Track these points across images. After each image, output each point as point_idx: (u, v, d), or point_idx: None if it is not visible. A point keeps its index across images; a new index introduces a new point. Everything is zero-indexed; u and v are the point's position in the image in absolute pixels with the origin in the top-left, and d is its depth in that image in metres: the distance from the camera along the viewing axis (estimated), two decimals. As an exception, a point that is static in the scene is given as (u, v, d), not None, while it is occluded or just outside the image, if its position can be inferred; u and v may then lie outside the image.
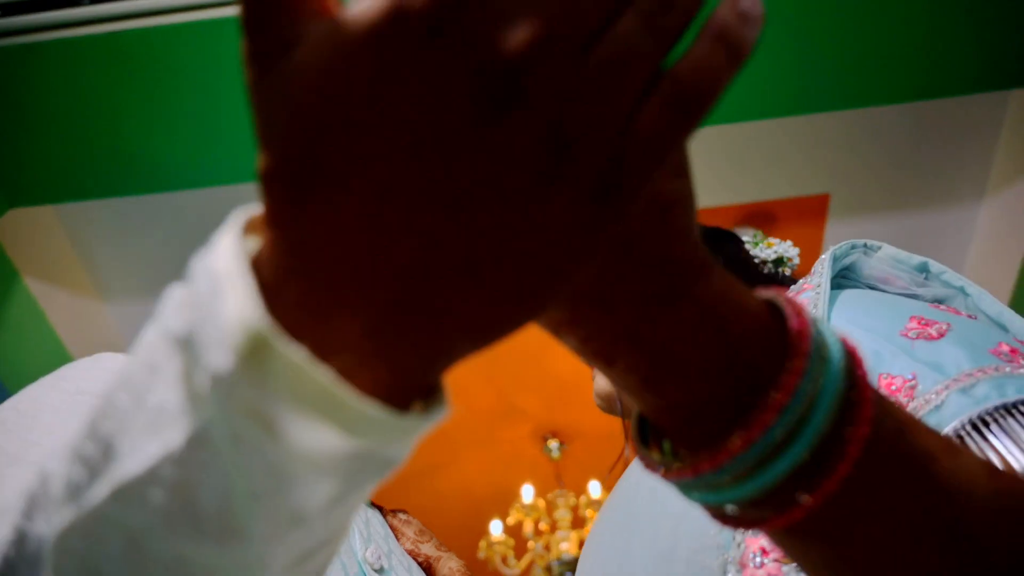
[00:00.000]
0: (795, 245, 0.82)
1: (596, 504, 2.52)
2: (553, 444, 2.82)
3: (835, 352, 0.24)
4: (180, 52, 1.56)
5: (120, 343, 2.36)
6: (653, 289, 0.23)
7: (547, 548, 2.52)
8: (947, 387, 0.38)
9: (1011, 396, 0.36)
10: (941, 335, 0.42)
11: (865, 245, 0.58)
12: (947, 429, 0.36)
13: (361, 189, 0.19)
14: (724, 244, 0.78)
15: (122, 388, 0.22)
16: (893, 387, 0.41)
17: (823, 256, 0.55)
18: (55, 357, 2.07)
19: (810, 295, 0.51)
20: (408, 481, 3.06)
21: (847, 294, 0.52)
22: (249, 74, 0.20)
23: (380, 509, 0.82)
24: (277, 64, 0.19)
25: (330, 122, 0.18)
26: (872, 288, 0.56)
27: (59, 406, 0.49)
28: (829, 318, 0.49)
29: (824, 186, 2.25)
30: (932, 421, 0.37)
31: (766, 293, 0.26)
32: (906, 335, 0.43)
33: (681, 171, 0.25)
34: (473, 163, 0.18)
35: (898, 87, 1.80)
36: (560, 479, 2.80)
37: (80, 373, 0.53)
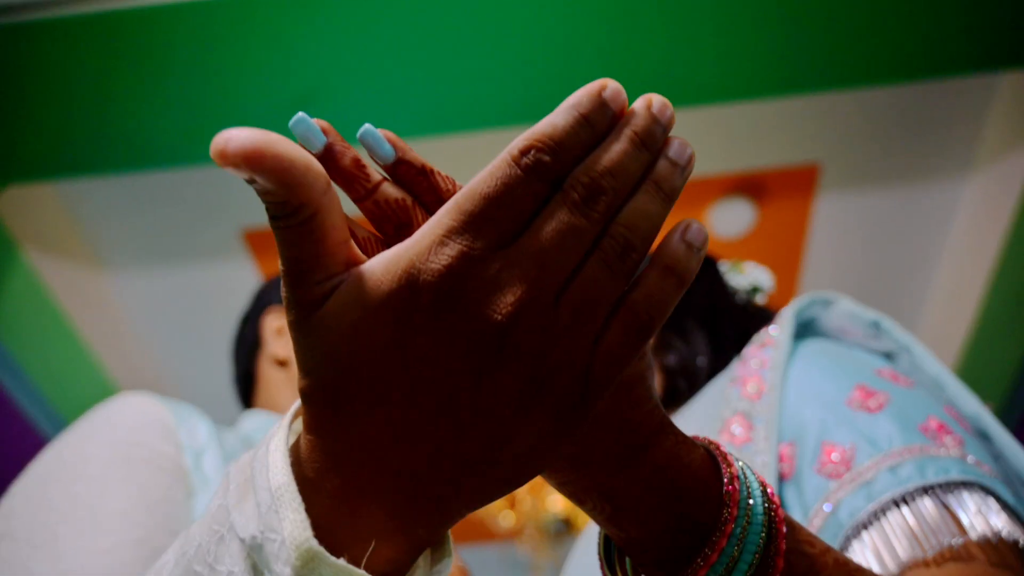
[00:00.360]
0: (769, 272, 0.86)
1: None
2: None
3: (758, 501, 0.29)
4: (177, 29, 1.56)
5: (120, 313, 2.40)
6: (616, 451, 0.29)
7: (538, 506, 2.64)
8: (878, 464, 0.43)
9: (930, 478, 0.42)
10: (880, 407, 0.48)
11: (824, 300, 0.63)
12: (875, 503, 0.42)
13: (383, 414, 0.24)
14: (702, 271, 0.83)
15: (197, 562, 0.27)
16: (834, 454, 0.46)
17: (786, 311, 0.61)
18: (56, 327, 2.12)
19: (771, 352, 0.56)
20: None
21: (806, 349, 0.57)
22: (289, 316, 0.24)
23: None
24: (314, 312, 0.23)
25: (357, 364, 0.23)
26: (830, 338, 0.61)
27: (102, 456, 0.54)
28: (787, 376, 0.54)
29: (814, 155, 2.27)
30: (863, 493, 0.43)
31: (705, 445, 0.31)
32: (850, 405, 0.49)
33: (642, 354, 0.29)
34: (472, 399, 0.23)
35: (890, 66, 1.81)
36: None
37: (115, 420, 0.58)
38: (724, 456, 0.30)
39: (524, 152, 0.23)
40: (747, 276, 0.84)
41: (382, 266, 0.23)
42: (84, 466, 0.54)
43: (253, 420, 0.78)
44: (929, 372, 0.57)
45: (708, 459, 0.30)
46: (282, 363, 0.84)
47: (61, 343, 2.18)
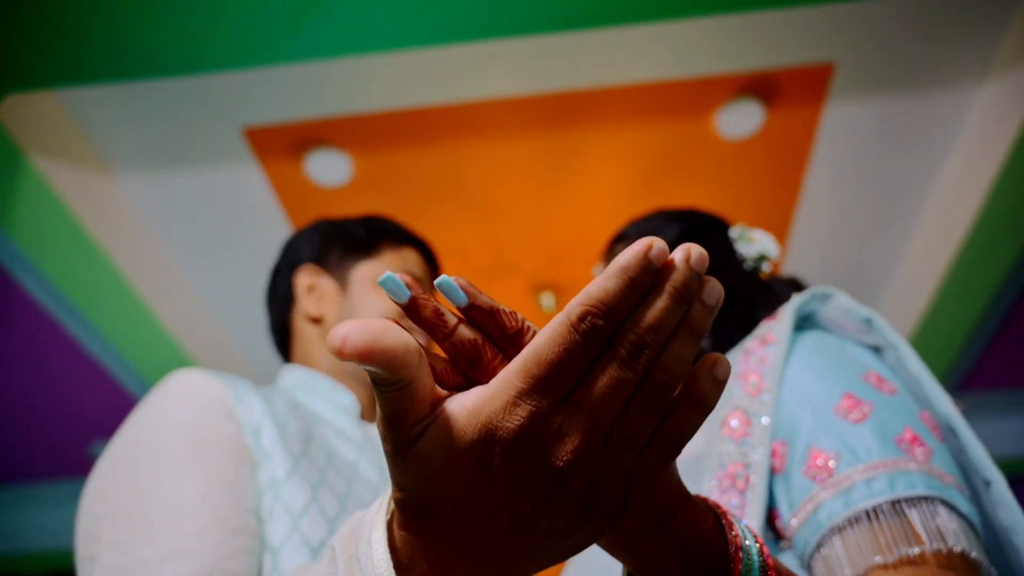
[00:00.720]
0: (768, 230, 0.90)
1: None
2: (547, 298, 3.01)
3: (755, 553, 0.36)
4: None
5: (130, 214, 2.43)
6: (645, 522, 0.35)
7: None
8: (856, 475, 0.51)
9: (898, 492, 0.49)
10: (863, 418, 0.54)
11: (824, 295, 0.68)
12: (851, 511, 0.49)
13: (465, 529, 0.30)
14: (713, 234, 0.86)
15: None
16: (819, 460, 0.54)
17: (787, 307, 0.66)
18: (67, 232, 2.15)
19: (771, 351, 0.62)
20: (410, 329, 3.30)
21: (803, 345, 0.63)
22: (387, 447, 0.30)
23: None
24: (409, 449, 0.29)
25: (444, 494, 0.29)
26: (826, 330, 0.67)
27: (176, 440, 0.61)
28: (784, 375, 0.60)
29: (830, 54, 2.22)
30: (841, 500, 0.51)
31: (714, 511, 0.37)
32: (837, 413, 0.55)
33: None
34: (536, 520, 0.30)
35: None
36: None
37: (181, 402, 0.65)
38: (730, 524, 0.36)
39: (582, 318, 0.27)
40: (755, 245, 0.87)
41: (464, 416, 0.28)
42: (162, 451, 0.61)
43: (293, 376, 0.85)
44: (911, 370, 0.63)
45: (716, 525, 0.36)
46: (315, 320, 0.88)
47: (74, 245, 2.22)
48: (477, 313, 0.31)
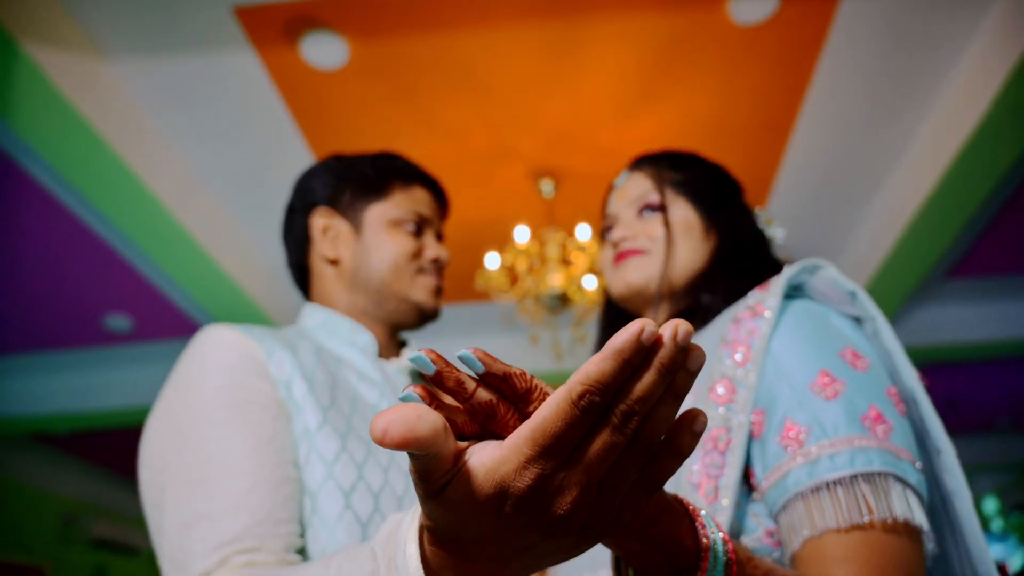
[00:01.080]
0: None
1: (583, 249, 2.82)
2: (546, 185, 3.02)
3: (722, 553, 0.43)
4: None
5: (126, 101, 2.38)
6: (631, 530, 0.42)
7: (538, 283, 2.89)
8: (822, 449, 0.58)
9: (856, 468, 0.57)
10: (836, 395, 0.61)
11: (813, 267, 0.73)
12: (814, 481, 0.57)
13: (485, 553, 0.37)
14: (737, 194, 0.90)
15: None
16: (792, 432, 0.61)
17: (779, 279, 0.71)
18: (63, 118, 2.12)
19: (760, 324, 0.68)
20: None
21: (791, 316, 0.68)
22: (419, 491, 0.36)
23: None
24: (437, 496, 0.35)
25: (468, 531, 0.36)
26: (813, 300, 0.72)
27: (217, 400, 0.68)
28: (770, 347, 0.66)
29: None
30: (807, 470, 0.58)
31: (691, 516, 0.44)
32: (812, 389, 0.62)
33: None
34: (544, 549, 0.37)
35: None
36: (552, 217, 3.06)
37: (217, 362, 0.71)
38: (703, 526, 0.44)
39: (582, 396, 0.32)
40: (769, 228, 0.91)
41: (483, 474, 0.34)
42: (205, 410, 0.68)
43: (314, 317, 0.90)
44: (885, 343, 0.69)
45: (691, 527, 0.44)
46: (332, 262, 0.92)
47: (71, 131, 2.20)
48: (492, 379, 0.35)
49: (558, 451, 0.33)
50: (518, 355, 3.88)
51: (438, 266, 0.95)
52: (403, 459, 0.77)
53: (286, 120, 2.65)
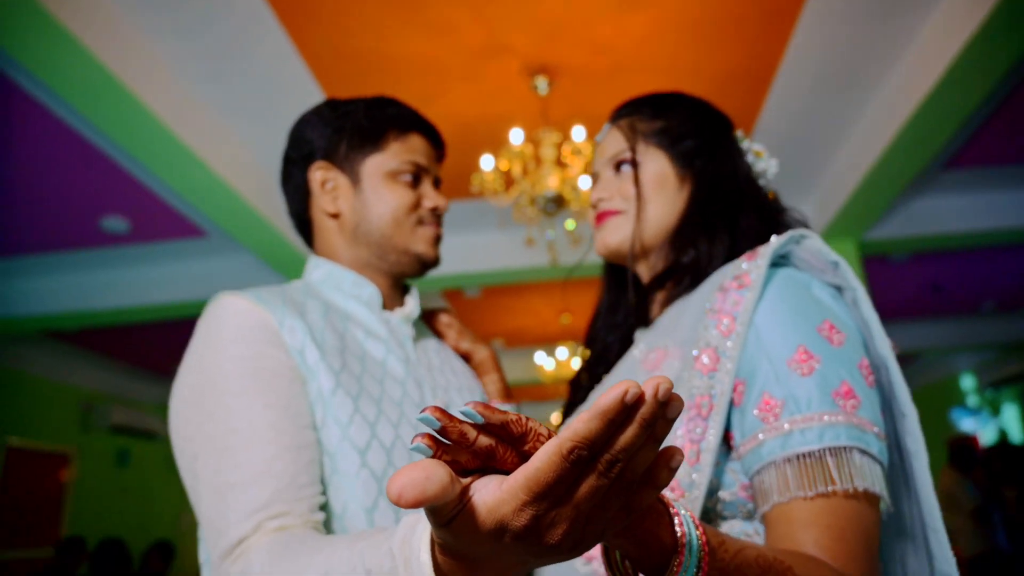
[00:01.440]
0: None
1: (578, 150, 2.78)
2: (541, 83, 2.93)
3: (696, 547, 0.49)
4: None
5: (105, 7, 2.26)
6: (616, 530, 0.48)
7: (533, 184, 2.88)
8: (795, 423, 0.63)
9: (825, 443, 0.62)
10: (811, 372, 0.65)
11: (799, 236, 0.74)
12: (785, 452, 0.63)
13: (486, 563, 0.42)
14: (725, 138, 0.89)
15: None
16: (768, 404, 0.66)
17: (766, 249, 0.73)
18: (49, 34, 2.03)
19: (746, 295, 0.71)
20: (403, 110, 3.24)
21: (775, 287, 0.71)
22: (430, 520, 0.41)
23: (430, 313, 1.07)
24: (446, 527, 0.40)
25: (473, 555, 0.41)
26: (799, 269, 0.75)
27: (236, 371, 0.72)
28: (753, 320, 0.70)
29: None
30: (779, 442, 0.64)
31: (671, 515, 0.49)
32: (790, 365, 0.66)
33: None
34: (536, 562, 0.42)
35: None
36: (547, 116, 2.99)
37: (233, 332, 0.75)
38: (680, 522, 0.49)
39: (571, 451, 0.37)
40: (760, 161, 0.89)
41: (484, 512, 0.39)
42: (226, 381, 0.72)
43: (319, 271, 0.93)
44: (863, 313, 0.72)
45: (669, 522, 0.49)
46: (333, 215, 0.93)
47: (56, 45, 2.12)
48: (491, 427, 0.40)
49: (550, 496, 0.38)
50: (514, 253, 3.92)
51: (437, 215, 0.96)
52: (412, 413, 0.83)
53: (271, 19, 2.54)
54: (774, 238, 0.75)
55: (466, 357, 1.07)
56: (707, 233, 0.83)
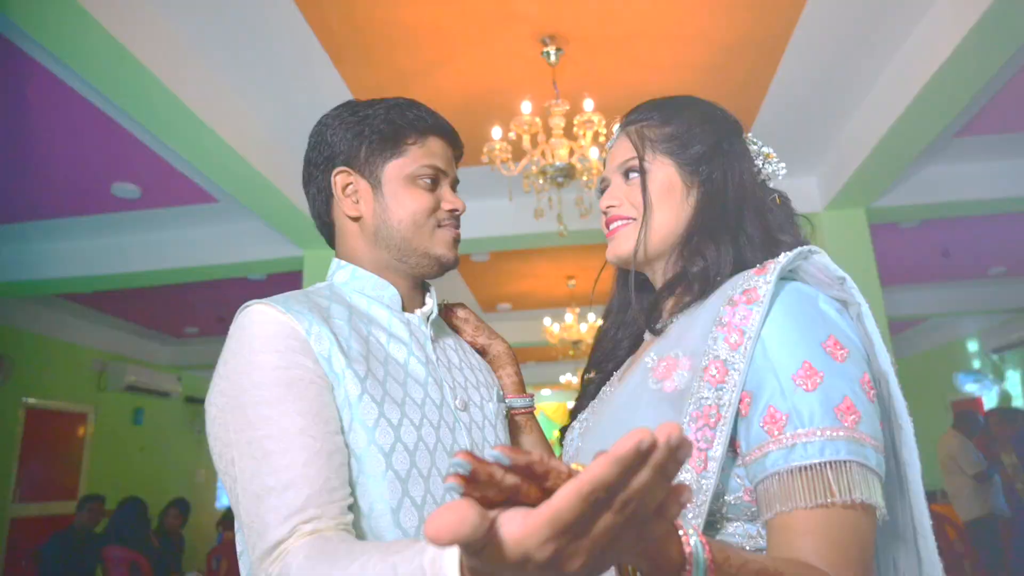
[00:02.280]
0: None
1: (587, 123, 2.76)
2: (551, 49, 2.90)
3: (702, 562, 0.53)
4: None
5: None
6: (629, 547, 0.52)
7: (543, 155, 2.87)
8: (799, 436, 0.67)
9: (825, 457, 0.65)
10: (815, 387, 0.68)
11: (808, 251, 0.77)
12: (788, 465, 0.66)
13: None
14: (736, 144, 0.90)
15: None
16: (774, 417, 0.69)
17: (775, 265, 0.75)
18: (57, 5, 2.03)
19: (754, 309, 0.73)
20: (408, 78, 3.20)
21: (782, 302, 0.74)
22: (460, 549, 0.45)
23: (447, 308, 1.10)
24: (475, 556, 0.44)
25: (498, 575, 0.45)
26: (806, 283, 0.77)
27: (269, 381, 0.76)
28: (761, 335, 0.72)
29: None
30: (783, 454, 0.67)
31: (679, 535, 0.53)
32: (795, 379, 0.69)
33: None
34: None
35: None
36: (556, 86, 2.97)
37: (264, 343, 0.78)
38: (686, 539, 0.53)
39: (590, 493, 0.40)
40: (769, 164, 0.90)
41: (511, 544, 0.43)
42: (260, 391, 0.75)
43: (342, 274, 0.96)
44: (867, 328, 0.75)
45: (677, 539, 0.53)
46: (354, 219, 0.95)
47: (65, 14, 2.11)
48: (516, 469, 0.43)
49: (569, 532, 0.41)
50: (524, 220, 3.93)
51: (455, 217, 0.99)
52: (433, 415, 0.87)
53: (277, -13, 2.51)
54: (783, 254, 0.77)
55: (482, 351, 1.10)
56: (714, 241, 0.85)
